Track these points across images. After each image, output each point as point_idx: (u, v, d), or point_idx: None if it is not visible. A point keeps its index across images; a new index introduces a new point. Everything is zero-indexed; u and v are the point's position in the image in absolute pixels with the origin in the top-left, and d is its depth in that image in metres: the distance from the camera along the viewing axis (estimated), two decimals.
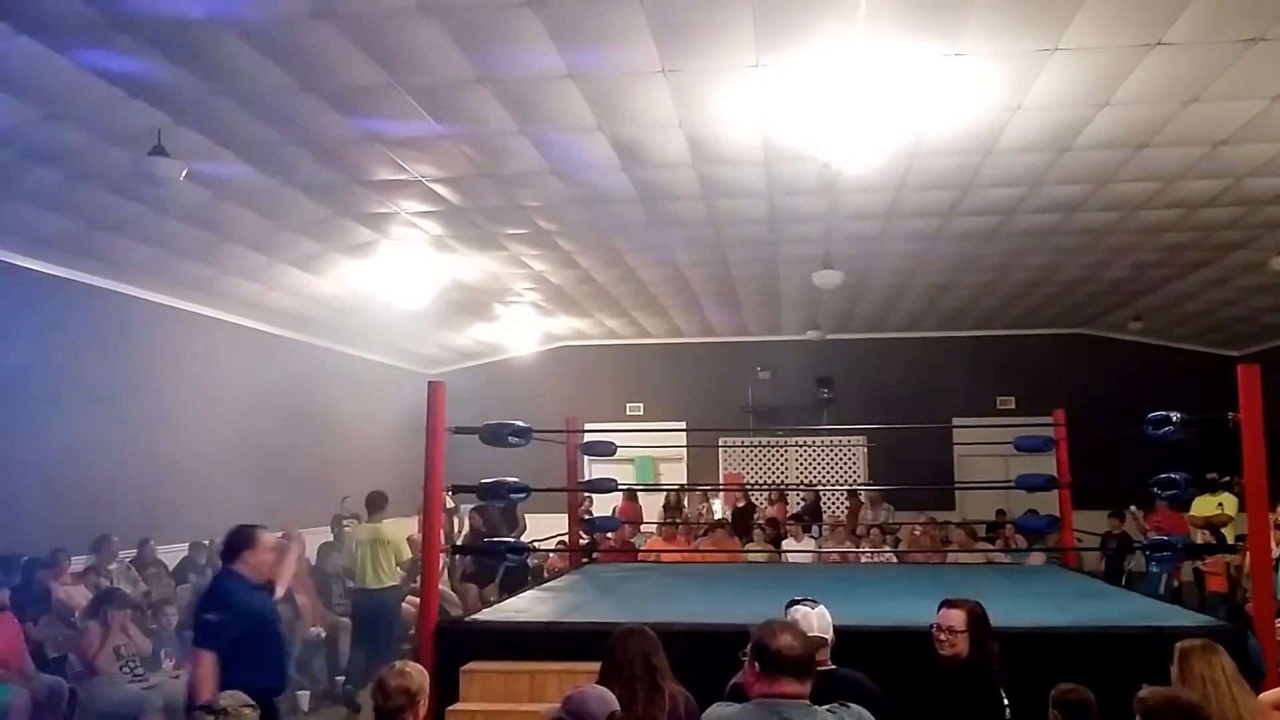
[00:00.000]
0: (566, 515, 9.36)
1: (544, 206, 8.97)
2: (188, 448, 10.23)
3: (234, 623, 4.26)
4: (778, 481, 15.96)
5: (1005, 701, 3.80)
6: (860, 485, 14.94)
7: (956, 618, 3.99)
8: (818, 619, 3.79)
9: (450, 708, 4.95)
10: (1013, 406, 15.64)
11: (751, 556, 10.23)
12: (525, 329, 14.61)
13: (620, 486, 9.77)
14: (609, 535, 10.41)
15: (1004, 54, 5.94)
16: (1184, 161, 7.83)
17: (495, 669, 5.14)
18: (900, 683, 3.74)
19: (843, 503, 14.59)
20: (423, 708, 3.33)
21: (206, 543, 9.80)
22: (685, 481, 15.13)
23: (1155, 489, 6.42)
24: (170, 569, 9.20)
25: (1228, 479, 9.20)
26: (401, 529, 9.12)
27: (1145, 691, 3.14)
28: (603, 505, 12.21)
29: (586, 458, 11.76)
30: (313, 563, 9.94)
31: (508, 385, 16.06)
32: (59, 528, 8.17)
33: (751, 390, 16.24)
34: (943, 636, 3.99)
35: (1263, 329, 13.93)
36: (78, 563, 8.29)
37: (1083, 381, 14.47)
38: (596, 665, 3.57)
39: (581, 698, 3.06)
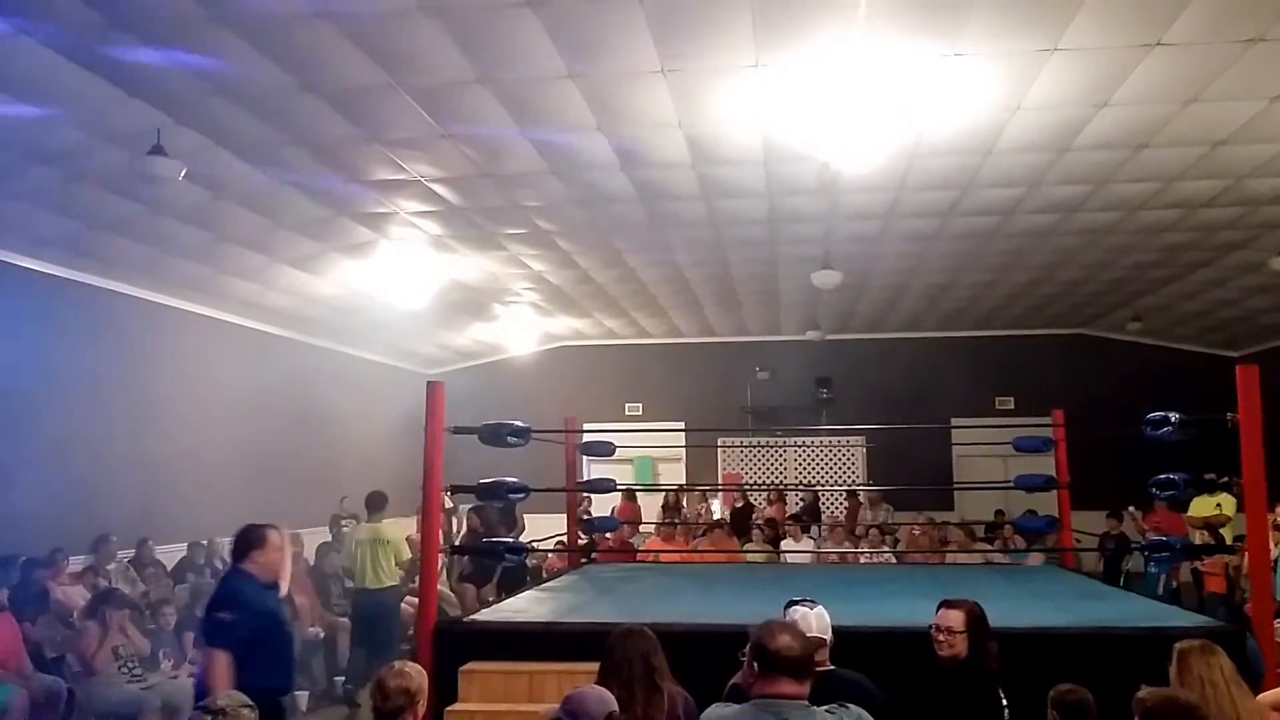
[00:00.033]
0: (565, 515, 9.36)
1: (543, 206, 8.97)
2: (186, 448, 10.23)
3: (246, 622, 4.26)
4: (777, 482, 15.95)
5: (1004, 702, 3.80)
6: (859, 486, 14.93)
7: (955, 618, 3.99)
8: (816, 619, 3.79)
9: (449, 708, 4.94)
10: (1012, 407, 15.65)
11: (750, 557, 10.22)
12: (524, 329, 14.61)
13: (619, 487, 9.76)
14: (608, 535, 10.40)
15: (1004, 54, 5.94)
16: (1183, 162, 7.83)
17: (494, 669, 5.14)
18: (899, 683, 3.74)
19: (842, 503, 14.58)
20: (422, 708, 3.33)
21: (205, 543, 9.81)
22: (684, 482, 15.13)
23: (1154, 489, 6.42)
24: (169, 569, 9.19)
25: (1226, 479, 9.20)
26: (401, 529, 9.12)
27: (1144, 692, 3.14)
28: (601, 505, 12.21)
29: (585, 458, 11.74)
30: (311, 563, 9.94)
31: (507, 385, 16.06)
32: (57, 528, 8.17)
33: (751, 390, 16.25)
34: (941, 637, 3.99)
35: (1262, 329, 13.94)
36: (76, 563, 8.29)
37: (1082, 382, 14.47)
38: (595, 666, 3.56)
39: (580, 698, 3.06)
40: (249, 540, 4.49)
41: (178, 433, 10.15)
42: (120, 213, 8.05)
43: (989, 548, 10.64)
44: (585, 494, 11.57)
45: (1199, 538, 9.23)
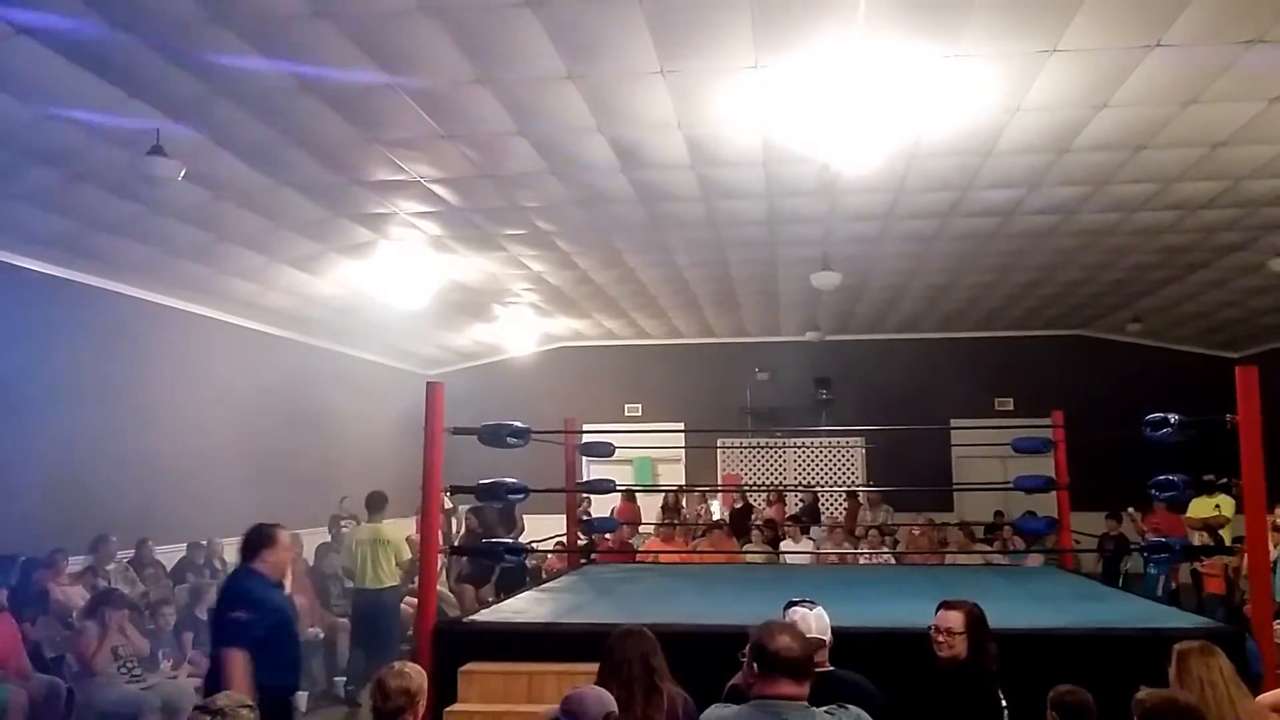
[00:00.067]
0: (565, 516, 9.36)
1: (543, 207, 8.97)
2: (186, 448, 10.22)
3: (260, 620, 4.27)
4: (776, 482, 15.95)
5: (1003, 703, 3.80)
6: (859, 487, 14.92)
7: (955, 619, 3.99)
8: (816, 620, 3.79)
9: (448, 708, 4.94)
10: (1011, 408, 15.65)
11: (750, 558, 10.23)
12: (524, 330, 14.61)
13: (618, 487, 9.76)
14: (607, 536, 10.40)
15: (1003, 55, 5.94)
16: (1183, 163, 7.84)
17: (493, 670, 5.14)
18: (898, 684, 3.74)
19: (841, 504, 14.58)
20: (422, 708, 3.34)
21: (204, 543, 9.80)
22: (683, 482, 15.12)
23: (1153, 491, 6.42)
24: (168, 569, 9.18)
25: (1225, 481, 9.21)
26: (402, 529, 9.12)
27: (1143, 693, 3.14)
28: (601, 506, 12.21)
29: (585, 458, 11.74)
30: (310, 563, 9.94)
31: (506, 386, 16.06)
32: (57, 528, 8.17)
33: (750, 391, 16.25)
34: (941, 638, 3.99)
35: (1261, 331, 13.94)
36: (75, 563, 8.28)
37: (1081, 383, 14.48)
38: (595, 666, 3.56)
39: (578, 698, 3.06)
40: (260, 539, 4.50)
41: (177, 433, 10.15)
42: (120, 213, 8.05)
43: (988, 549, 10.65)
44: (585, 495, 11.57)
45: (1198, 539, 9.23)
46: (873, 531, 10.69)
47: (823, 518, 13.47)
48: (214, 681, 4.10)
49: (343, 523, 11.55)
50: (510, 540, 8.40)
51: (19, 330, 8.26)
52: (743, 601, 6.18)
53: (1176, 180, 8.26)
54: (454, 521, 12.79)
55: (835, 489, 15.51)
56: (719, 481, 15.87)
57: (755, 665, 2.92)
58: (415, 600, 7.27)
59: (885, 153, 7.47)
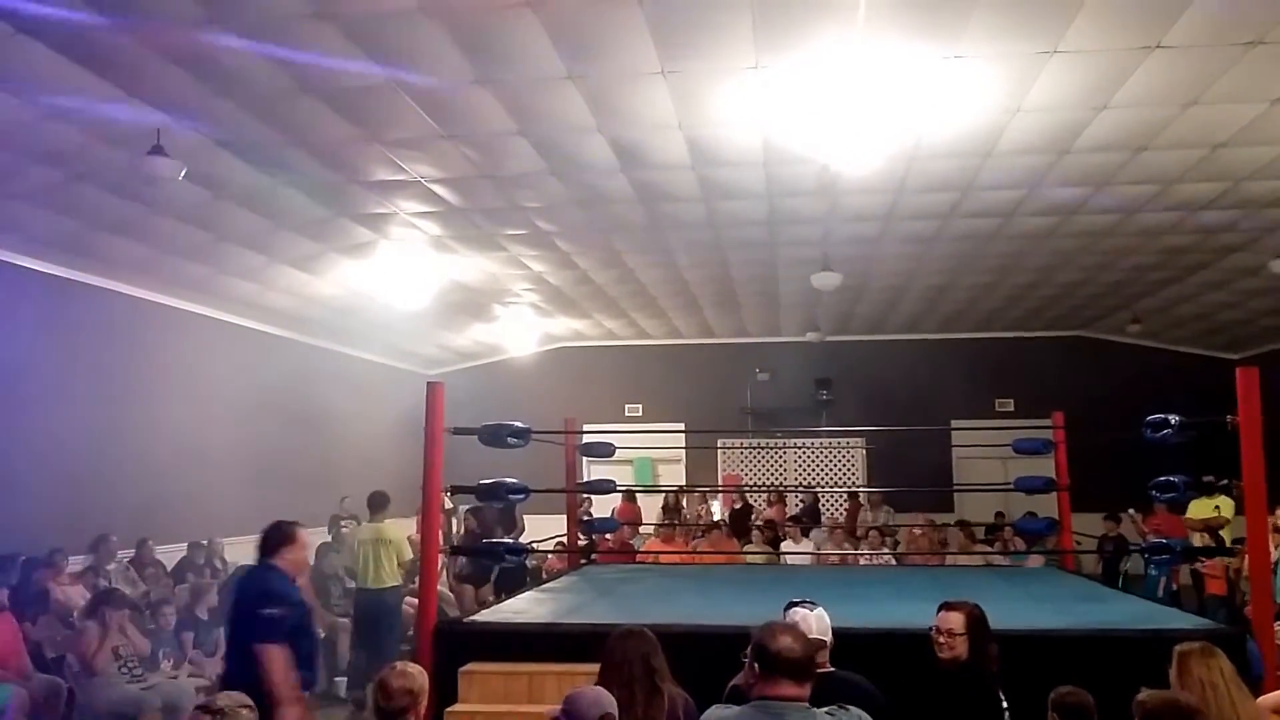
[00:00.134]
0: (565, 516, 9.36)
1: (543, 207, 8.97)
2: (186, 448, 10.22)
3: (290, 617, 4.30)
4: (776, 483, 15.95)
5: (1004, 704, 3.80)
6: (859, 487, 14.93)
7: (955, 620, 3.99)
8: (816, 621, 3.79)
9: (449, 709, 4.95)
10: (1011, 409, 15.65)
11: (750, 558, 10.23)
12: (524, 330, 14.61)
13: (619, 488, 9.75)
14: (608, 536, 10.41)
15: (1003, 56, 5.94)
16: (1183, 164, 7.84)
17: (494, 670, 5.14)
18: (899, 685, 3.74)
19: (842, 505, 14.59)
20: (423, 708, 3.34)
21: (205, 543, 9.81)
22: (684, 483, 15.12)
23: (1154, 492, 6.42)
24: (168, 569, 9.18)
25: (1225, 482, 9.20)
26: (403, 529, 9.13)
27: (1144, 694, 3.14)
28: (602, 506, 12.21)
29: (585, 459, 11.75)
30: (311, 563, 9.92)
31: (506, 386, 16.06)
32: (57, 527, 8.17)
33: (750, 392, 16.25)
34: (942, 639, 3.99)
35: (1262, 332, 13.94)
36: (76, 563, 8.28)
37: (1082, 384, 14.47)
38: (595, 667, 3.56)
39: (575, 698, 3.07)
40: (280, 536, 4.53)
41: (178, 433, 10.15)
42: (121, 213, 8.05)
43: (989, 550, 10.65)
44: (586, 495, 11.56)
45: (1198, 540, 9.23)
46: (873, 532, 10.69)
47: (823, 518, 13.47)
48: (244, 678, 4.09)
49: (343, 523, 11.56)
50: (510, 540, 8.40)
51: (19, 329, 8.27)
52: (743, 602, 6.18)
53: (1177, 181, 8.26)
54: (454, 522, 12.79)
55: (836, 490, 15.50)
56: (719, 482, 15.87)
57: (756, 666, 2.92)
58: (416, 600, 7.27)
59: (885, 154, 7.47)
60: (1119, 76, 6.20)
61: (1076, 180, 8.25)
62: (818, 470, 16.45)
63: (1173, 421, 5.75)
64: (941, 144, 7.40)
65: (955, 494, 14.66)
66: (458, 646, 5.34)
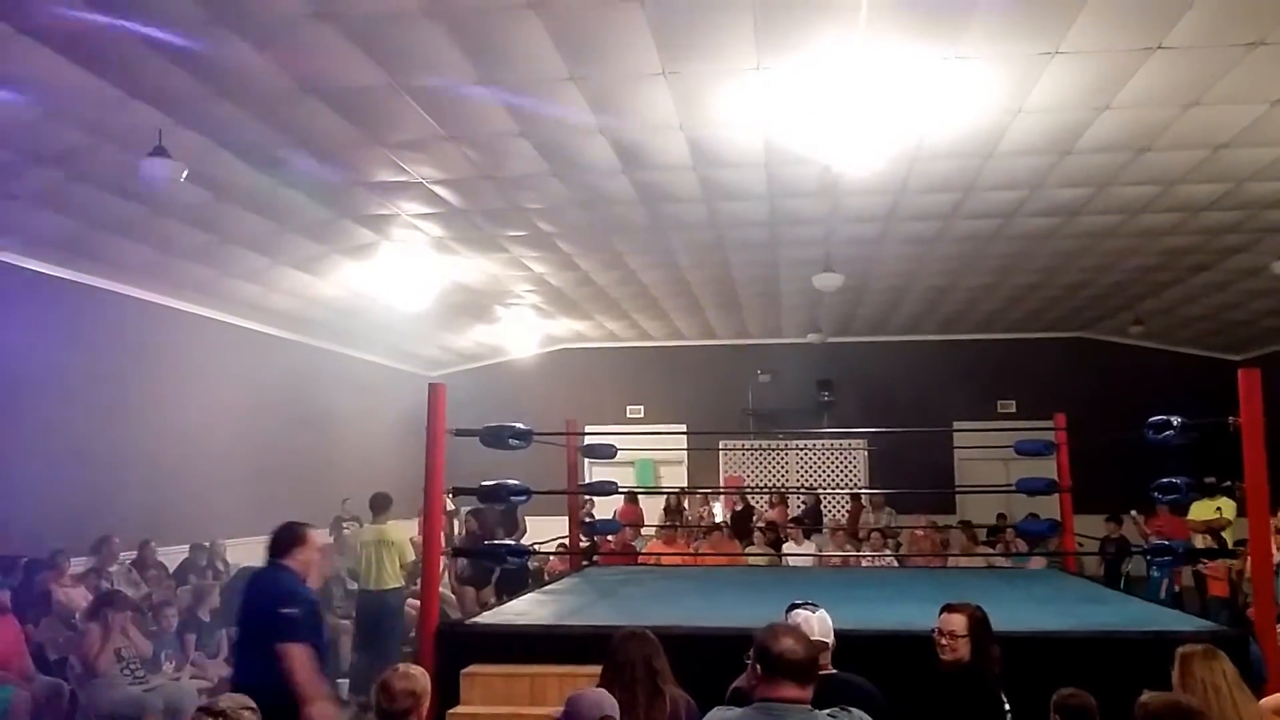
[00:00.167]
0: (567, 518, 9.36)
1: (544, 208, 8.98)
2: (188, 449, 10.23)
3: (308, 616, 4.32)
4: (778, 485, 15.94)
5: (1006, 706, 3.79)
6: (861, 489, 14.92)
7: (958, 622, 3.98)
8: (818, 623, 3.79)
9: (451, 710, 4.94)
10: (1013, 410, 15.63)
11: (752, 560, 10.22)
12: (526, 331, 14.62)
13: (621, 490, 9.75)
14: (609, 538, 10.41)
15: (1005, 57, 5.94)
16: (1185, 165, 7.83)
17: (496, 672, 5.13)
18: (901, 687, 3.74)
19: (844, 506, 14.58)
20: (425, 710, 3.33)
21: (207, 544, 9.80)
22: (685, 484, 15.12)
23: (1156, 493, 6.41)
24: (170, 571, 9.19)
25: (1228, 483, 9.19)
26: (406, 531, 9.13)
27: (1146, 696, 3.14)
28: (603, 508, 12.21)
29: (587, 460, 11.75)
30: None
31: (508, 387, 16.06)
32: (59, 529, 8.16)
33: (752, 393, 16.24)
34: (944, 641, 3.98)
35: (1264, 333, 13.92)
36: (78, 564, 8.28)
37: (1083, 385, 14.46)
38: (597, 669, 3.56)
39: (577, 700, 3.07)
40: (291, 537, 4.54)
41: (180, 435, 10.16)
42: (122, 214, 8.06)
43: (991, 551, 10.64)
44: (588, 497, 11.56)
45: (1200, 541, 9.22)
46: (875, 534, 10.69)
47: (825, 520, 13.47)
48: (256, 678, 4.09)
49: (345, 524, 11.56)
50: (511, 542, 8.40)
51: (21, 331, 8.27)
52: (745, 604, 6.17)
53: (1178, 182, 8.26)
54: (455, 523, 12.79)
55: (838, 491, 15.50)
56: (721, 484, 15.86)
57: (758, 668, 2.92)
58: (418, 602, 7.27)
59: (887, 154, 7.47)
60: (1120, 77, 6.20)
61: (1078, 181, 8.25)
62: (819, 472, 16.45)
63: (1174, 423, 5.74)
64: (943, 145, 7.40)
65: (957, 496, 14.64)
66: (460, 648, 5.33)
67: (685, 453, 15.86)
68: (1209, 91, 6.39)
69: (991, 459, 12.91)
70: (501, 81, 6.22)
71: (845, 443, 15.96)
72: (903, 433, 13.37)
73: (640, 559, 10.18)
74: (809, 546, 10.73)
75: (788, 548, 10.59)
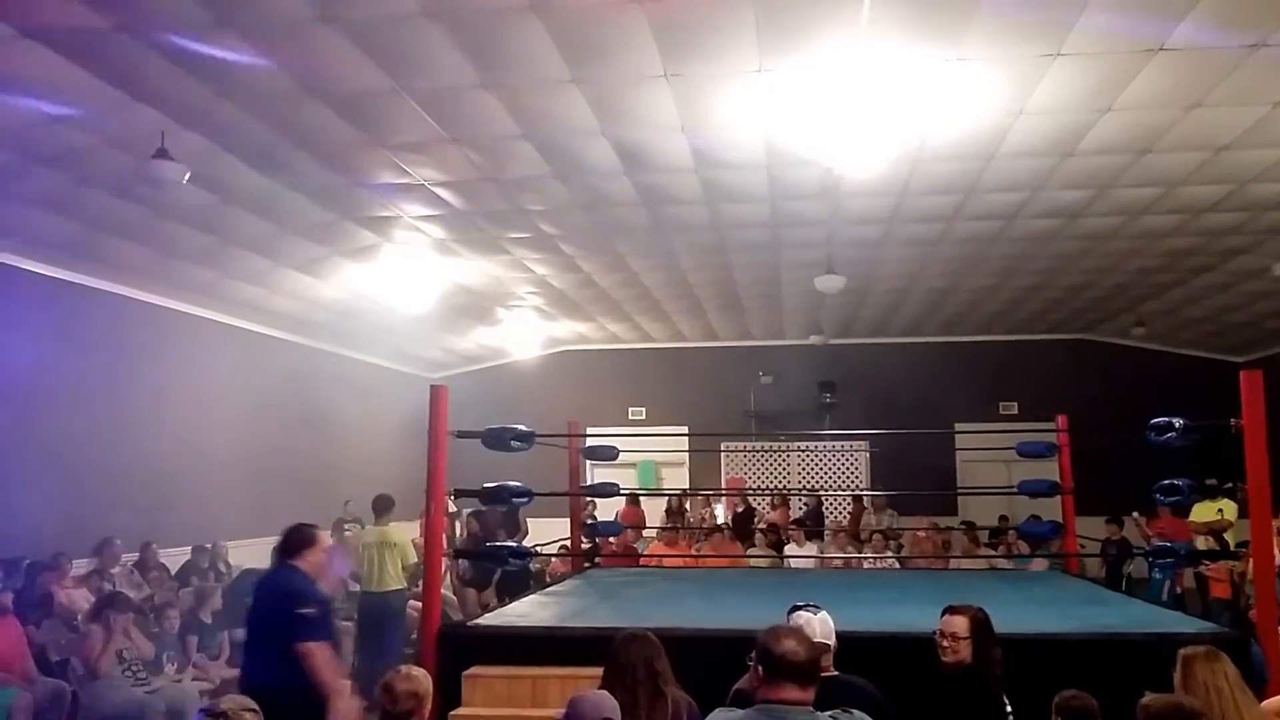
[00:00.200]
0: (568, 520, 9.35)
1: (546, 210, 8.98)
2: (190, 451, 10.24)
3: (325, 616, 4.38)
4: (780, 486, 15.95)
5: (1008, 708, 3.79)
6: (863, 491, 14.91)
7: (960, 624, 3.98)
8: (820, 624, 3.79)
9: (453, 712, 4.94)
10: (1015, 412, 15.63)
11: (754, 562, 10.22)
12: (527, 333, 14.62)
13: (623, 491, 9.75)
14: (611, 540, 10.40)
15: (1006, 59, 5.94)
16: (1186, 167, 7.83)
17: (497, 674, 5.13)
18: (903, 689, 3.74)
19: (845, 508, 14.58)
20: (427, 711, 3.34)
21: (209, 546, 9.81)
22: (687, 486, 15.12)
23: (1158, 495, 6.40)
24: (172, 572, 9.19)
25: (1229, 485, 9.18)
26: (408, 532, 9.13)
27: (1148, 698, 3.14)
28: (605, 510, 12.21)
29: (589, 462, 11.75)
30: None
31: (510, 389, 16.06)
32: (61, 531, 8.18)
33: (754, 395, 16.25)
34: (946, 643, 3.98)
35: (1266, 334, 13.91)
36: (80, 566, 8.29)
37: (1085, 387, 14.46)
38: (599, 670, 3.56)
39: (578, 701, 3.07)
40: (301, 539, 4.58)
41: (182, 436, 10.17)
42: (125, 216, 8.07)
43: (993, 553, 10.63)
44: (589, 499, 11.56)
45: (1202, 543, 9.21)
46: (877, 535, 10.68)
47: (827, 522, 13.46)
48: (268, 679, 4.12)
49: (346, 526, 11.55)
50: (513, 544, 8.40)
51: (23, 333, 8.29)
52: (746, 606, 6.17)
53: (1181, 184, 8.25)
54: (457, 525, 12.79)
55: (839, 493, 15.49)
56: (722, 485, 15.85)
57: (760, 669, 2.92)
58: (420, 603, 7.27)
59: (889, 156, 7.47)
60: (1122, 79, 6.20)
61: (1080, 183, 8.25)
62: (821, 473, 16.44)
63: (1176, 425, 5.73)
64: (945, 147, 7.40)
65: (959, 497, 14.63)
66: (461, 650, 5.33)
67: (687, 454, 15.84)
68: (1211, 93, 6.39)
69: (993, 461, 12.91)
70: (503, 84, 6.23)
71: (847, 444, 15.96)
72: (905, 434, 13.36)
73: (642, 561, 10.18)
74: (811, 548, 10.73)
75: (789, 549, 10.59)
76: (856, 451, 16.15)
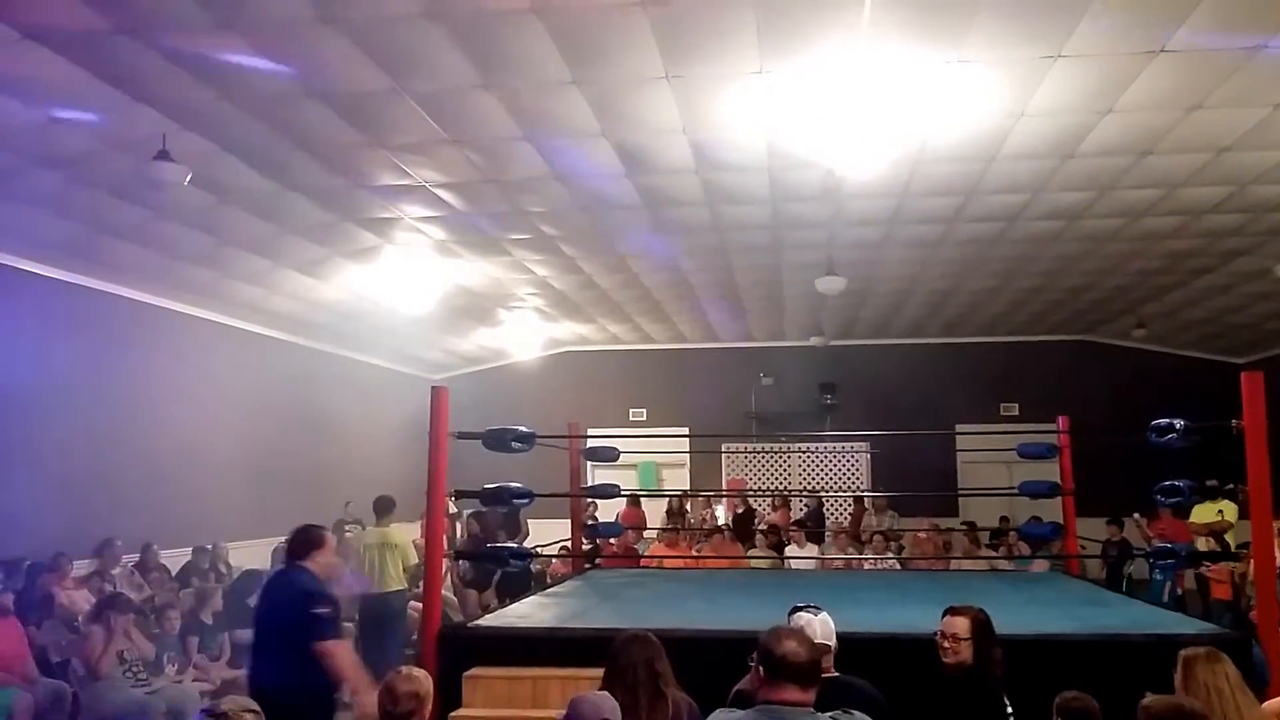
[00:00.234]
0: (569, 521, 9.35)
1: (547, 212, 8.98)
2: (191, 452, 10.24)
3: (337, 615, 4.42)
4: (781, 487, 15.94)
5: (1009, 709, 3.79)
6: (864, 492, 14.91)
7: (960, 625, 3.98)
8: (820, 626, 3.79)
9: (453, 713, 4.94)
10: (1016, 413, 15.64)
11: (755, 563, 10.21)
12: (528, 334, 14.63)
13: (623, 492, 9.74)
14: (612, 541, 10.40)
15: (1007, 61, 5.94)
16: (1187, 168, 7.83)
17: (498, 675, 5.13)
18: (904, 690, 3.74)
19: (846, 509, 14.57)
20: (428, 712, 3.34)
21: (209, 547, 9.81)
22: (688, 487, 15.12)
23: (1159, 496, 6.40)
24: (173, 573, 9.19)
25: (1230, 486, 9.18)
26: (409, 533, 9.14)
27: (1149, 699, 3.13)
28: (606, 511, 12.20)
29: (589, 463, 11.75)
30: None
31: (511, 390, 16.07)
32: (62, 532, 8.18)
33: (755, 396, 16.25)
34: (947, 644, 3.98)
35: (1267, 336, 13.91)
36: (80, 567, 8.29)
37: (1086, 388, 14.44)
38: (599, 671, 3.56)
39: (579, 703, 3.07)
40: (310, 540, 4.60)
41: (182, 437, 10.17)
42: (126, 217, 8.08)
43: (994, 554, 10.62)
44: (590, 500, 11.56)
45: (1202, 544, 9.22)
46: (877, 537, 10.68)
47: (827, 523, 13.45)
48: (279, 679, 4.13)
49: (347, 527, 11.55)
50: (513, 545, 8.40)
51: (24, 333, 8.29)
52: (747, 607, 6.16)
53: (1181, 185, 8.26)
54: (458, 526, 12.79)
55: (840, 494, 15.48)
56: (723, 487, 15.85)
57: (761, 670, 2.92)
58: (421, 604, 7.28)
59: (889, 158, 7.47)
60: (1123, 81, 6.20)
61: (1081, 184, 8.25)
62: (822, 475, 16.44)
63: (1177, 426, 5.73)
64: (946, 148, 7.40)
65: (960, 498, 14.62)
66: (462, 651, 5.33)
67: (688, 455, 15.85)
68: (1212, 95, 6.39)
69: (994, 462, 12.90)
70: (505, 85, 6.23)
71: (848, 445, 15.96)
72: (905, 436, 13.36)
73: (642, 562, 10.18)
74: (811, 549, 10.72)
75: (790, 550, 10.57)
76: (857, 452, 16.15)
